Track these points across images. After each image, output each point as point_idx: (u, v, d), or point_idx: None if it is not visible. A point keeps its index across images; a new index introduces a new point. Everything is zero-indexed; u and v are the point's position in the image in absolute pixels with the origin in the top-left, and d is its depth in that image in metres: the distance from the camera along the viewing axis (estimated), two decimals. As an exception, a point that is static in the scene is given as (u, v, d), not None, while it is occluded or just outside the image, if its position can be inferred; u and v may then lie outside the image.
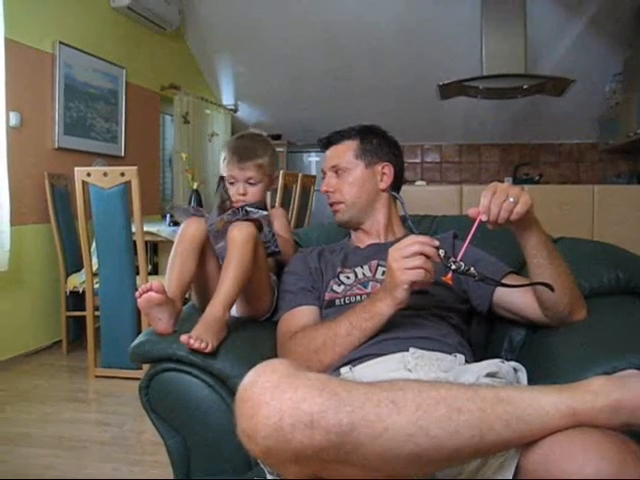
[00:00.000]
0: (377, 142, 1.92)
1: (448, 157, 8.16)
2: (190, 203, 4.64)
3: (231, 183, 1.87)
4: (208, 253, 1.73)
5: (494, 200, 1.34)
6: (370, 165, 1.89)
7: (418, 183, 6.60)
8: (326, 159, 1.95)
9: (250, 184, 1.86)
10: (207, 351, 1.47)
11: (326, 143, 1.96)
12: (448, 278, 1.37)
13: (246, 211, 1.71)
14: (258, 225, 1.72)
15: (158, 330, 1.56)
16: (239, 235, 1.64)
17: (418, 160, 8.11)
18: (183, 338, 1.45)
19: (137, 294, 1.55)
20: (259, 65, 7.15)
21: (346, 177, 1.88)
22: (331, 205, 1.93)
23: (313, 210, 5.75)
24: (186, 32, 6.88)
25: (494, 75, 5.55)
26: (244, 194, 1.85)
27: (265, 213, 1.73)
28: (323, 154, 2.01)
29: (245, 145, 1.89)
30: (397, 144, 1.98)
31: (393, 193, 1.91)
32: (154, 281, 1.54)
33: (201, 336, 1.47)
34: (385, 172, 1.90)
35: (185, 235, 1.68)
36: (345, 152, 1.90)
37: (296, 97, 7.43)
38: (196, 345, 1.45)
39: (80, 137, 4.95)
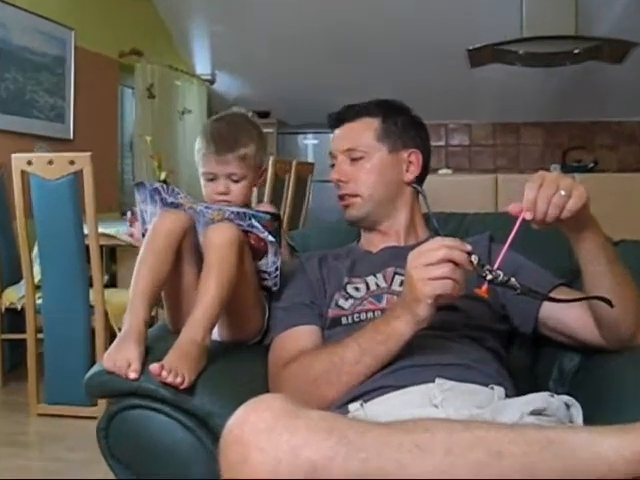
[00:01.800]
0: (402, 123, 1.93)
1: (479, 139, 8.17)
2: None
3: (210, 179, 1.87)
4: (186, 255, 1.74)
5: (541, 193, 1.34)
6: (394, 151, 1.90)
7: (442, 172, 6.61)
8: (337, 139, 1.95)
9: (233, 181, 1.85)
10: (183, 387, 1.47)
11: (338, 120, 1.96)
12: (483, 291, 1.37)
13: (252, 224, 1.71)
14: (262, 249, 1.74)
15: None
16: (219, 238, 1.65)
17: (442, 143, 8.13)
18: (153, 368, 1.45)
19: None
20: (242, 24, 7.13)
21: (363, 163, 1.89)
22: (341, 198, 1.93)
23: (310, 205, 5.76)
24: (150, -17, 6.91)
25: (537, 37, 5.56)
26: (225, 192, 1.85)
27: (272, 239, 1.73)
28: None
29: (224, 132, 1.87)
30: (425, 126, 2.00)
31: (415, 186, 1.92)
32: (132, 370, 1.50)
33: (175, 367, 1.47)
34: (412, 160, 1.92)
35: (159, 230, 1.68)
36: (364, 132, 1.90)
37: (288, 65, 7.42)
38: (169, 379, 1.45)
39: (17, 115, 4.95)
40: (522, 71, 6.49)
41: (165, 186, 1.77)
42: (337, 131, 1.96)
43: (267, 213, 1.76)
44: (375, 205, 1.89)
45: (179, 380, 1.46)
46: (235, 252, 1.64)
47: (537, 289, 1.47)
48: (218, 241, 1.64)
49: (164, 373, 1.44)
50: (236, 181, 1.86)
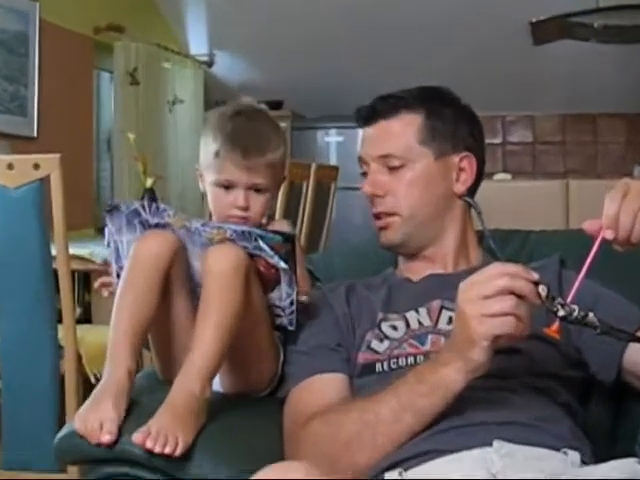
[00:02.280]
0: (451, 117, 1.93)
1: (545, 134, 8.17)
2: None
3: (226, 187, 1.87)
4: (176, 285, 1.75)
5: (625, 207, 1.35)
6: (442, 155, 1.90)
7: (499, 177, 6.62)
8: (369, 142, 1.96)
9: (257, 191, 1.87)
10: (176, 454, 1.47)
11: (369, 116, 1.96)
12: (553, 330, 1.37)
13: (259, 247, 1.70)
14: (273, 278, 1.74)
15: None
16: (221, 262, 1.65)
17: (498, 140, 8.12)
18: (137, 438, 1.45)
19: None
20: (247, -7, 7.20)
21: (404, 173, 1.88)
22: (376, 217, 1.94)
23: (334, 219, 5.76)
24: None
25: (617, 6, 5.57)
26: (246, 207, 1.86)
27: (284, 266, 1.71)
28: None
29: (252, 131, 1.88)
30: (479, 121, 2.01)
31: (468, 199, 1.93)
32: (105, 432, 1.49)
33: (166, 430, 1.47)
34: (463, 167, 1.92)
35: (141, 255, 1.69)
36: (403, 132, 1.90)
37: (305, 44, 7.44)
38: (157, 449, 1.44)
39: (-31, 108, 4.99)
40: (598, 49, 6.49)
41: (146, 205, 1.76)
42: (369, 130, 1.95)
43: (278, 233, 1.75)
44: (418, 226, 1.90)
45: (169, 449, 1.45)
46: (241, 281, 1.65)
47: (622, 327, 1.47)
48: (219, 267, 1.64)
49: (149, 443, 1.44)
50: (259, 191, 1.88)
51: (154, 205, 1.77)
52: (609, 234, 1.35)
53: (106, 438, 1.48)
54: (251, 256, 1.72)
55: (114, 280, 1.82)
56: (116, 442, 1.50)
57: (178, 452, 1.46)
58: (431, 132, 1.89)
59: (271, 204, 1.95)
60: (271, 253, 1.72)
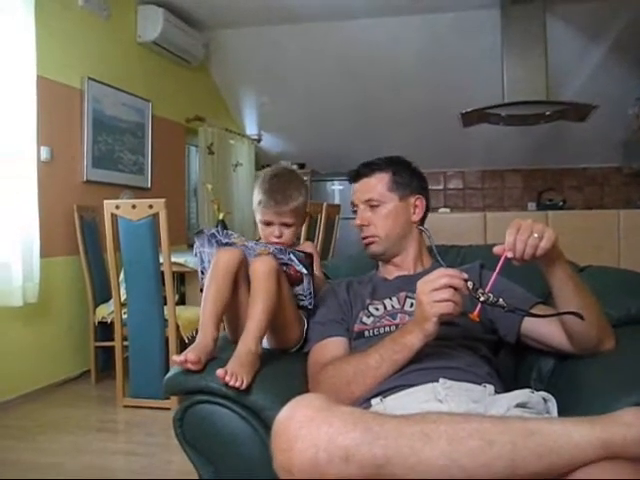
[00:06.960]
0: (408, 175, 1.95)
1: (471, 183, 8.15)
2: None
3: (267, 224, 1.90)
4: (241, 282, 1.76)
5: (519, 237, 1.37)
6: (403, 198, 1.92)
7: (442, 210, 6.61)
8: (357, 192, 1.97)
9: (286, 226, 1.89)
10: (242, 388, 1.49)
11: (356, 175, 1.98)
12: (475, 315, 1.40)
13: (290, 259, 1.75)
14: (299, 278, 1.77)
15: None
16: (261, 267, 1.69)
17: (441, 187, 8.10)
18: (219, 373, 1.48)
19: (174, 362, 1.59)
20: (282, 96, 7.23)
21: (380, 210, 1.90)
22: (364, 238, 1.94)
23: (338, 238, 5.77)
24: (210, 65, 6.99)
25: (515, 102, 5.56)
26: (280, 236, 1.89)
27: (305, 272, 1.76)
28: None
29: (281, 188, 1.89)
30: (424, 176, 2.01)
31: (421, 227, 1.94)
32: (189, 353, 1.55)
33: (236, 372, 1.50)
34: (417, 205, 1.94)
35: (219, 263, 1.71)
36: (377, 185, 1.92)
37: (319, 127, 7.49)
38: (232, 382, 1.48)
39: (108, 170, 5.03)
40: (505, 129, 6.48)
41: (220, 230, 1.80)
42: (356, 185, 1.97)
43: (302, 252, 1.78)
44: (391, 243, 1.91)
45: (238, 384, 1.49)
46: (274, 279, 1.68)
47: (520, 307, 1.49)
48: (260, 270, 1.68)
49: (227, 377, 1.48)
50: (288, 226, 1.90)
51: (225, 231, 1.80)
52: (509, 254, 1.39)
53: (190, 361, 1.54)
54: (285, 264, 1.76)
55: (199, 276, 1.85)
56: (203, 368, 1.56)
57: (244, 386, 1.49)
58: (396, 183, 1.91)
59: (298, 233, 1.97)
60: (298, 263, 1.76)
